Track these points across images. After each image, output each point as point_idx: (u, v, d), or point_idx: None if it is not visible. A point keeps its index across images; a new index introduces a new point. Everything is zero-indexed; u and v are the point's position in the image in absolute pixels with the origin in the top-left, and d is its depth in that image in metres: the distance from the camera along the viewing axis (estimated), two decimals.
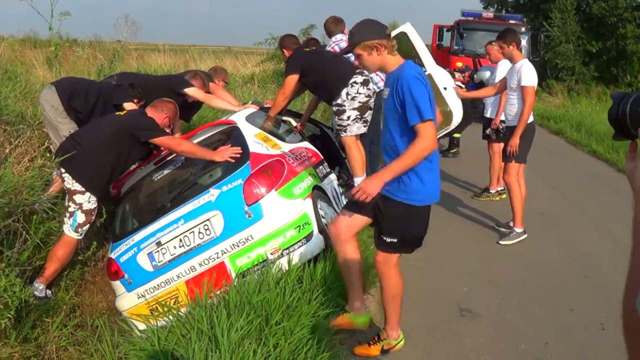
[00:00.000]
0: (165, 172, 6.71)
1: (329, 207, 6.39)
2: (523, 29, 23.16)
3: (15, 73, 10.30)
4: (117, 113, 6.50)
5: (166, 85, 7.85)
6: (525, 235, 7.82)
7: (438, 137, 9.59)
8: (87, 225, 6.13)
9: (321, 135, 8.87)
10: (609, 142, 15.80)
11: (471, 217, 8.95)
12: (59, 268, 6.10)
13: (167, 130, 6.60)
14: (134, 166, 6.86)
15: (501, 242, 7.76)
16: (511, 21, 23.97)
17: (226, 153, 5.94)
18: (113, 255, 5.99)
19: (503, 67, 8.78)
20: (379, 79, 7.95)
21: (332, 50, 8.43)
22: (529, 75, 7.44)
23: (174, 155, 6.73)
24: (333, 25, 8.91)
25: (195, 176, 6.33)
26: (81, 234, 6.13)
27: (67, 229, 6.04)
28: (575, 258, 7.29)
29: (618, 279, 6.31)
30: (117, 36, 13.92)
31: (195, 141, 6.65)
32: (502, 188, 9.43)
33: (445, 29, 24.48)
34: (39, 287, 5.99)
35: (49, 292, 6.15)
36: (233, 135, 6.37)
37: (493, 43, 8.92)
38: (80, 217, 6.03)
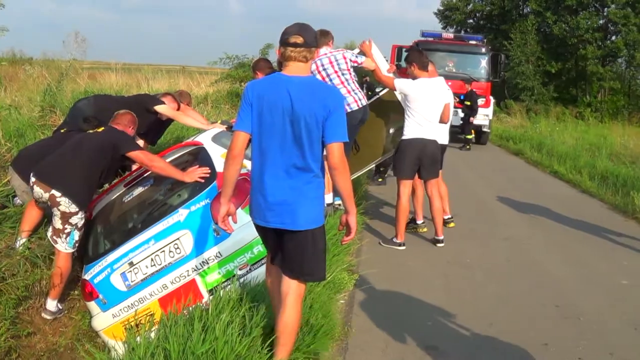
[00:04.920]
0: (135, 193, 7.07)
1: None
2: (484, 50, 23.95)
3: None
4: (91, 131, 6.87)
5: (138, 103, 8.21)
6: (403, 247, 8.47)
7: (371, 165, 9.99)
8: (80, 237, 6.56)
9: None
10: (571, 163, 16.30)
11: (433, 247, 8.78)
12: (65, 283, 6.56)
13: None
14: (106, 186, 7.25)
15: (381, 243, 8.64)
16: (471, 42, 24.70)
17: (195, 174, 6.28)
18: (87, 277, 6.29)
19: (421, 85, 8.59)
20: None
21: (314, 65, 8.22)
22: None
23: (144, 176, 7.14)
24: (317, 36, 8.71)
25: (165, 197, 6.71)
26: (76, 248, 6.56)
27: (64, 247, 6.43)
28: (544, 287, 7.24)
29: (590, 307, 6.56)
30: (67, 54, 13.98)
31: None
32: (449, 216, 9.78)
33: (404, 49, 24.83)
34: (52, 304, 6.57)
35: (60, 305, 6.71)
36: (200, 156, 6.72)
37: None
38: (77, 235, 6.47)
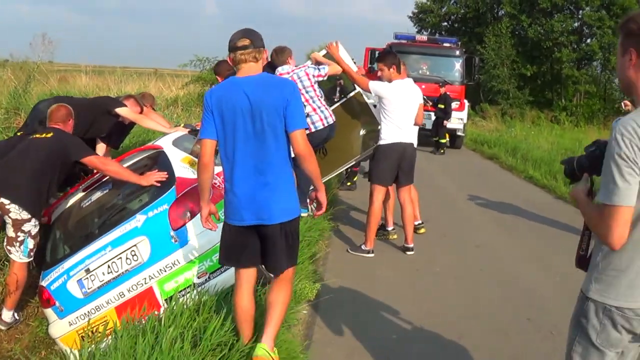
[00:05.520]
0: (94, 198, 6.96)
1: None
2: (457, 52, 23.95)
3: None
4: (38, 136, 6.66)
5: (98, 105, 8.12)
6: (372, 255, 8.32)
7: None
8: (36, 246, 6.45)
9: None
10: (545, 168, 16.20)
11: (403, 254, 8.60)
12: (20, 292, 6.48)
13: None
14: (61, 192, 7.13)
15: (349, 250, 8.51)
16: (445, 44, 24.71)
17: (152, 177, 6.22)
18: (44, 283, 6.16)
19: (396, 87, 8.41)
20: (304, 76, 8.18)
21: None
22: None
23: (103, 180, 7.02)
24: (274, 55, 8.47)
25: (122, 202, 6.60)
26: (32, 256, 6.45)
27: (19, 257, 6.35)
28: (517, 298, 7.02)
29: (563, 320, 6.17)
30: (34, 56, 13.80)
31: (124, 166, 6.89)
32: (420, 222, 9.61)
33: (377, 52, 24.72)
34: (8, 314, 6.49)
35: (16, 315, 6.66)
36: (159, 160, 6.63)
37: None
38: (31, 243, 6.37)
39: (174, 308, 5.17)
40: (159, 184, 6.16)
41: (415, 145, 8.84)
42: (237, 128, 4.40)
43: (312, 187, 4.97)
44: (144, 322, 5.21)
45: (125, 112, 8.07)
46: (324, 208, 4.79)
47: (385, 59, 8.30)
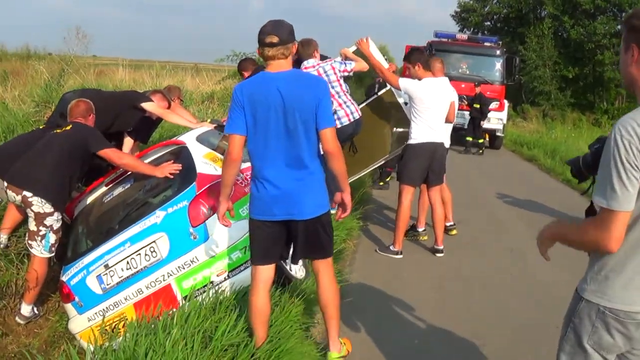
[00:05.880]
0: (115, 193, 6.90)
1: None
2: (498, 52, 23.49)
3: None
4: (59, 131, 6.66)
5: (124, 100, 8.05)
6: (400, 256, 8.11)
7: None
8: (58, 241, 6.42)
9: None
10: None
11: (431, 256, 8.38)
12: (40, 288, 6.46)
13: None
14: (83, 187, 7.14)
15: (377, 251, 8.33)
16: (486, 43, 24.26)
17: (167, 169, 6.25)
18: (64, 278, 6.16)
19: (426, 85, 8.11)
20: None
21: None
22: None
23: (125, 175, 6.98)
24: (300, 47, 8.09)
25: (143, 197, 6.53)
26: (54, 252, 6.42)
27: (40, 252, 6.33)
28: (548, 308, 6.47)
29: None
30: (68, 50, 13.82)
31: (147, 161, 6.86)
32: (452, 223, 9.42)
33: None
34: (27, 308, 6.48)
35: (36, 309, 6.64)
36: (181, 156, 6.55)
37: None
38: (52, 238, 6.35)
39: (186, 308, 5.07)
40: (172, 176, 6.19)
41: (448, 145, 8.68)
42: (270, 124, 4.39)
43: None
44: (152, 321, 5.15)
45: (151, 106, 7.96)
46: (349, 210, 4.80)
47: (409, 57, 8.15)
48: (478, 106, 20.70)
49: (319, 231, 4.66)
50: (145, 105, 7.90)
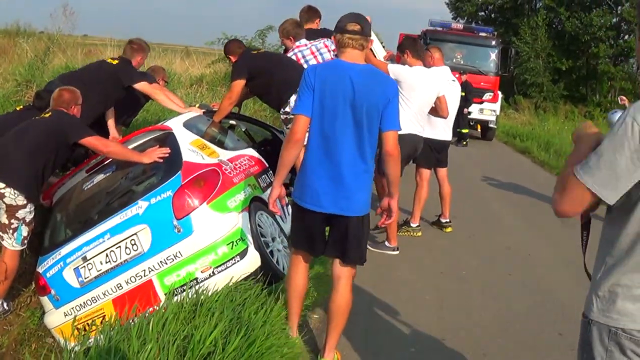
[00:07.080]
0: (96, 180, 6.55)
1: (269, 219, 6.28)
2: (493, 42, 23.39)
3: None
4: (41, 116, 6.30)
5: (110, 79, 7.44)
6: (397, 252, 7.74)
7: None
8: (30, 233, 6.10)
9: (272, 140, 8.76)
10: None
11: (428, 254, 8.07)
12: (11, 281, 6.12)
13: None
14: (61, 172, 6.79)
15: (370, 247, 7.53)
16: (481, 33, 24.17)
17: (154, 154, 5.96)
18: (40, 269, 5.87)
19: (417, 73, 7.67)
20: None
21: (294, 57, 7.69)
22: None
23: (106, 162, 6.59)
24: (293, 27, 7.94)
25: (125, 186, 6.21)
26: (26, 244, 6.10)
27: (11, 244, 5.98)
28: (548, 309, 6.35)
29: None
30: (54, 27, 13.44)
31: (130, 147, 6.49)
32: (448, 220, 9.07)
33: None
34: None
35: (6, 305, 6.25)
36: (167, 142, 6.21)
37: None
38: (25, 230, 6.01)
39: (164, 311, 4.70)
40: (161, 160, 5.89)
41: (449, 138, 8.70)
42: (337, 114, 4.39)
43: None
44: (136, 320, 4.79)
45: (140, 84, 7.46)
46: (394, 217, 4.80)
47: (400, 45, 8.05)
48: (463, 94, 20.22)
49: (360, 231, 4.60)
50: (137, 85, 7.41)
